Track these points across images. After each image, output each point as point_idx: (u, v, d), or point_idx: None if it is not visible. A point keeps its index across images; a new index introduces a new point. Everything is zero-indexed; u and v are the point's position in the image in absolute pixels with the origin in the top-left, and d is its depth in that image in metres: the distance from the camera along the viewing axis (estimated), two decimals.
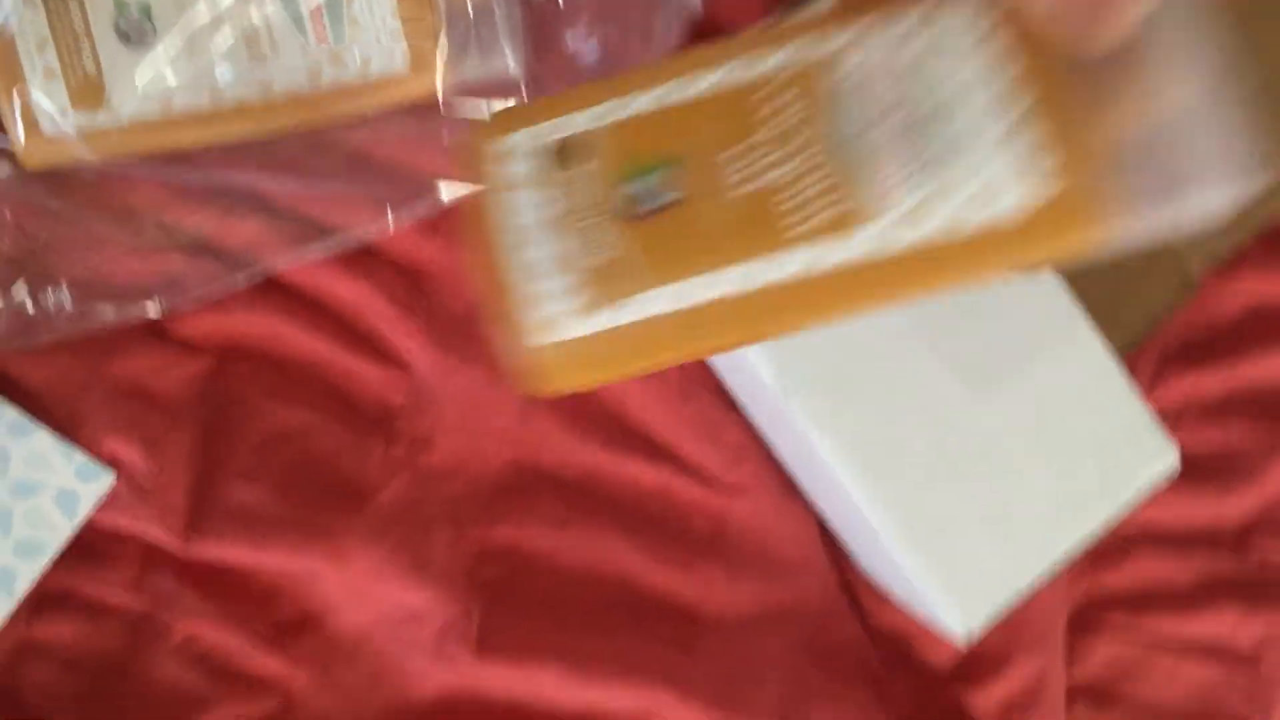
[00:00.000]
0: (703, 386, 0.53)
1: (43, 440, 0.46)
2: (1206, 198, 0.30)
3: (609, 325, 0.32)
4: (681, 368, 0.53)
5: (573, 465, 0.52)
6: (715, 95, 0.32)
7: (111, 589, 0.48)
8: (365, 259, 0.50)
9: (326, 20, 0.42)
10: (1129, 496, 0.46)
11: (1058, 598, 0.55)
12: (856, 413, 0.45)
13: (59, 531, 0.46)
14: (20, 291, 0.45)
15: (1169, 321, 0.56)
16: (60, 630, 0.48)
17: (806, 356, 0.45)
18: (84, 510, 0.46)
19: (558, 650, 0.50)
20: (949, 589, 0.45)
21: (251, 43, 0.42)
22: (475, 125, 0.39)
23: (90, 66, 0.41)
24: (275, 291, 0.50)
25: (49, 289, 0.45)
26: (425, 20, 0.42)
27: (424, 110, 0.45)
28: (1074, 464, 0.46)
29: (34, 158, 0.43)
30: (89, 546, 0.48)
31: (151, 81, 0.41)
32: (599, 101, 0.33)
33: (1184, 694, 0.55)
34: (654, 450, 0.53)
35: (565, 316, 0.32)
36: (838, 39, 0.31)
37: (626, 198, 0.32)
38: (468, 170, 0.33)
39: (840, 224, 0.30)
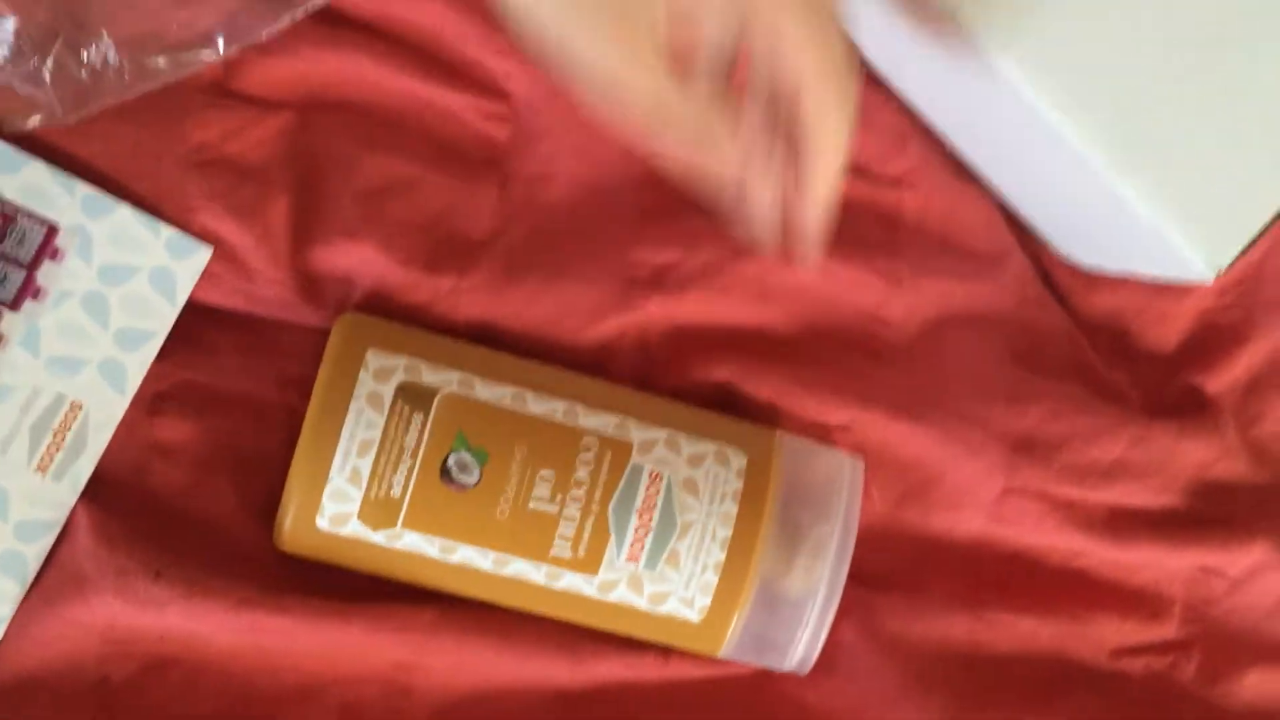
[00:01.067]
0: None
1: (126, 216, 0.41)
2: (785, 662, 0.43)
3: (379, 543, 0.41)
4: None
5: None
6: (548, 422, 0.41)
7: (228, 376, 0.43)
8: None
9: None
10: None
11: None
12: (1045, 21, 0.37)
13: (163, 317, 0.41)
14: (63, 54, 0.40)
15: None
16: (184, 429, 0.43)
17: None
18: (184, 290, 0.41)
19: (733, 369, 0.45)
20: (1187, 217, 0.38)
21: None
22: (345, 317, 0.43)
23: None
24: (346, 28, 0.44)
25: (93, 45, 0.40)
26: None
27: None
28: None
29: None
30: (193, 334, 0.43)
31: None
32: (452, 366, 0.42)
33: None
34: None
35: (345, 518, 0.41)
36: (656, 434, 0.42)
37: (440, 462, 0.41)
38: (329, 355, 0.41)
39: (587, 565, 0.41)
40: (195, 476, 0.43)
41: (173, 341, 0.43)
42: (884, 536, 0.46)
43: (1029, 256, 0.48)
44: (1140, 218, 0.39)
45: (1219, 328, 0.48)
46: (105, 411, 0.41)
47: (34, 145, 0.41)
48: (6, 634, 0.41)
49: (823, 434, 0.46)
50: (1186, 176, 0.38)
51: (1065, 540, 0.46)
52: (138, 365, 0.41)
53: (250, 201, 0.43)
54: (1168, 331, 0.48)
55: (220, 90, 0.43)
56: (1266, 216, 0.38)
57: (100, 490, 0.42)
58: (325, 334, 0.44)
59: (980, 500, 0.46)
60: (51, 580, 0.42)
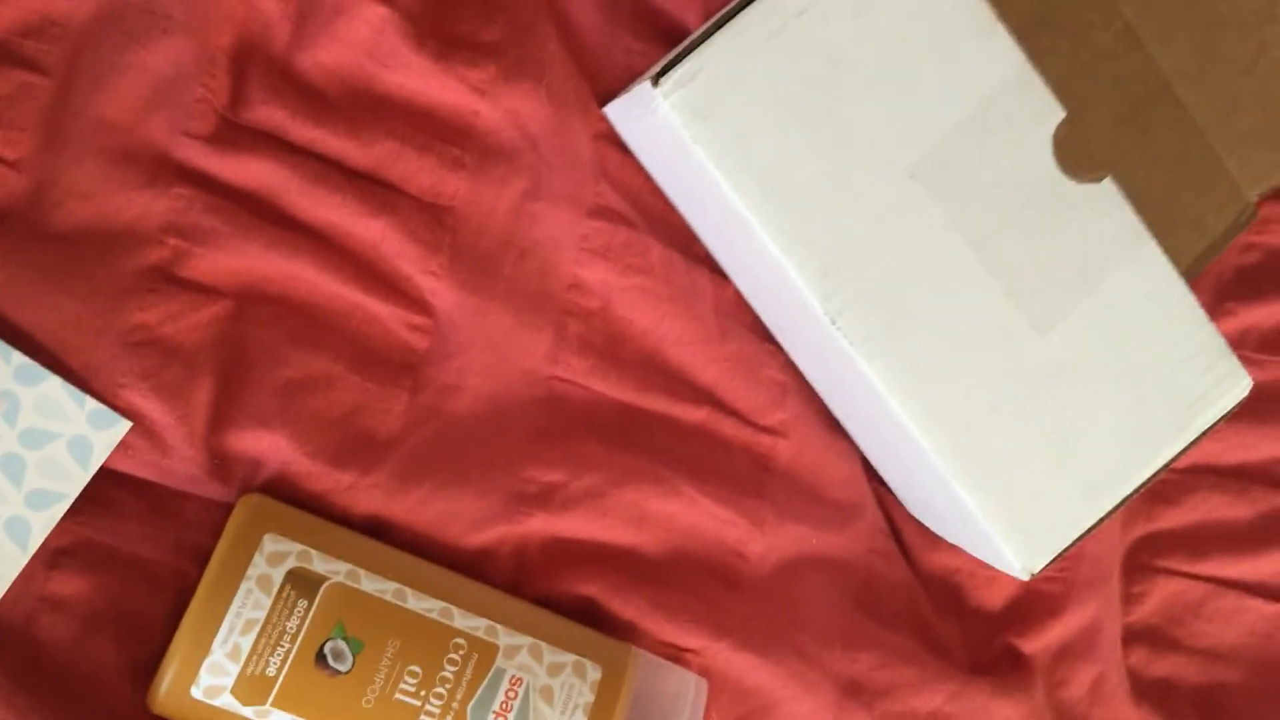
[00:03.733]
0: (738, 323, 0.51)
1: (53, 386, 0.44)
2: None
3: (247, 718, 0.44)
4: (717, 306, 0.50)
5: (608, 407, 0.50)
6: (424, 620, 0.45)
7: (129, 540, 0.46)
8: (384, 194, 0.48)
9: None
10: (1200, 426, 0.44)
11: (1114, 539, 0.53)
12: (911, 342, 0.43)
13: (74, 481, 0.44)
14: None
15: (1224, 251, 0.54)
16: (78, 584, 0.45)
17: (858, 283, 0.42)
18: (98, 459, 0.44)
19: (600, 587, 0.48)
20: (1010, 525, 0.43)
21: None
22: (248, 497, 0.46)
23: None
24: (296, 231, 0.48)
25: None
26: None
27: None
28: (1142, 393, 0.43)
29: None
30: (102, 496, 0.46)
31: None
32: (342, 557, 0.45)
33: (1245, 635, 0.53)
34: (692, 391, 0.50)
35: (219, 690, 0.43)
36: (521, 640, 0.46)
37: (318, 648, 0.44)
38: (228, 533, 0.44)
39: None
40: (81, 632, 0.45)
41: (82, 501, 0.45)
42: None
43: (883, 511, 0.52)
44: (973, 518, 0.44)
45: (1040, 596, 0.52)
46: (5, 566, 0.44)
47: None
48: None
49: (675, 654, 0.49)
50: (1015, 492, 0.43)
51: None
52: (43, 524, 0.44)
53: (176, 382, 0.46)
54: (994, 594, 0.53)
55: (166, 275, 0.46)
56: (1078, 531, 0.44)
57: None
58: (228, 509, 0.46)
59: None
60: None
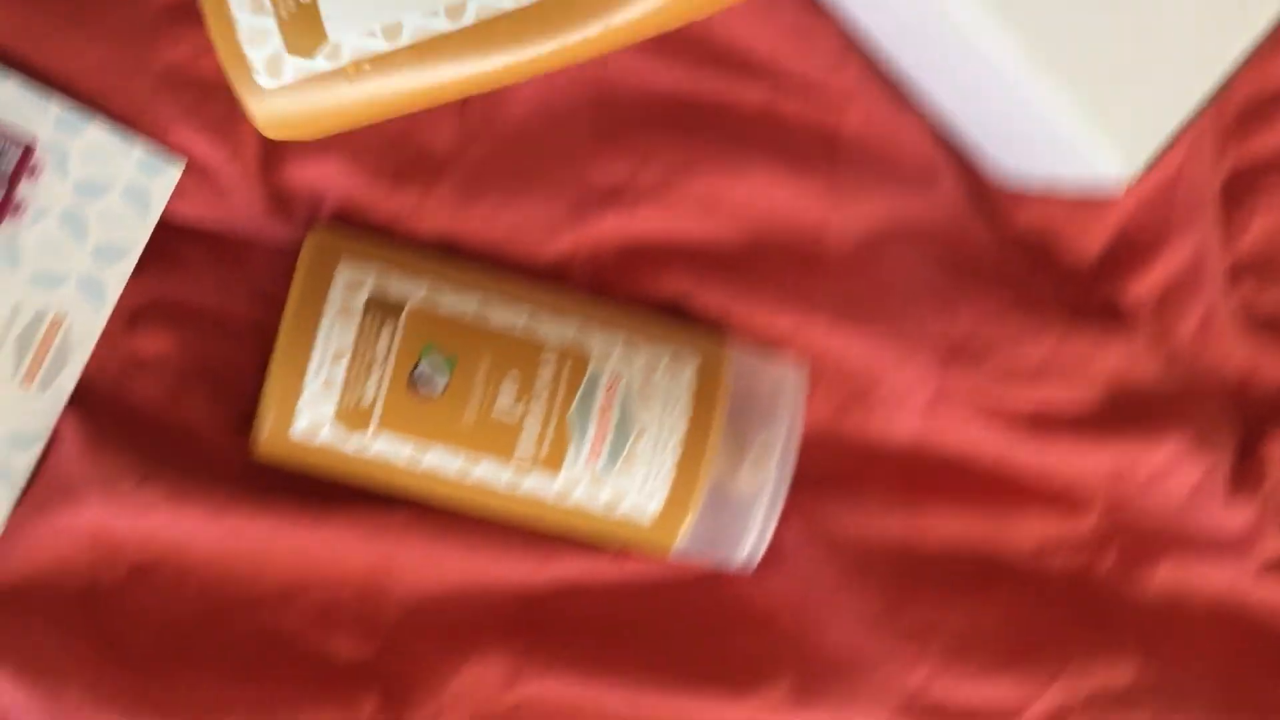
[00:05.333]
0: None
1: (99, 132, 0.42)
2: (732, 560, 0.45)
3: (351, 450, 0.43)
4: None
5: (664, 97, 0.48)
6: (511, 331, 0.44)
7: (202, 293, 0.45)
8: None
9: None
10: None
11: (1206, 168, 0.50)
12: None
13: (137, 231, 0.43)
14: None
15: None
16: (161, 342, 0.45)
17: None
18: (158, 204, 0.43)
19: (682, 282, 0.47)
20: (1104, 128, 0.41)
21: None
22: (317, 230, 0.44)
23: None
24: None
25: None
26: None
27: None
28: None
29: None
30: (167, 251, 0.45)
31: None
32: (420, 277, 0.44)
33: None
34: (749, 69, 0.48)
35: (319, 426, 0.43)
36: (613, 340, 0.44)
37: (410, 371, 0.43)
38: (301, 266, 0.43)
39: (549, 467, 0.44)
40: (173, 389, 0.45)
41: (147, 258, 0.44)
42: (825, 440, 0.49)
43: (961, 174, 0.50)
44: (1058, 125, 0.42)
45: (1136, 239, 0.50)
46: (86, 325, 0.43)
47: (5, 63, 0.42)
48: None
49: (769, 342, 0.48)
50: (1101, 83, 0.41)
51: (993, 441, 0.49)
52: (116, 280, 0.43)
53: (221, 118, 0.44)
54: (1088, 243, 0.51)
55: (188, 9, 0.44)
56: (1174, 123, 0.41)
57: (84, 401, 0.44)
58: (294, 252, 0.45)
59: (915, 404, 0.49)
60: (41, 489, 0.43)
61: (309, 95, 0.39)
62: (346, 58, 0.37)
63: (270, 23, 0.37)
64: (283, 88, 0.38)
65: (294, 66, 0.38)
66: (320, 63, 0.38)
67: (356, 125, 0.41)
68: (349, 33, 0.37)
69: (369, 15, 0.36)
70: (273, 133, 0.40)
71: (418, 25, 0.37)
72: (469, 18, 0.37)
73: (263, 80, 0.38)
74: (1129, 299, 0.51)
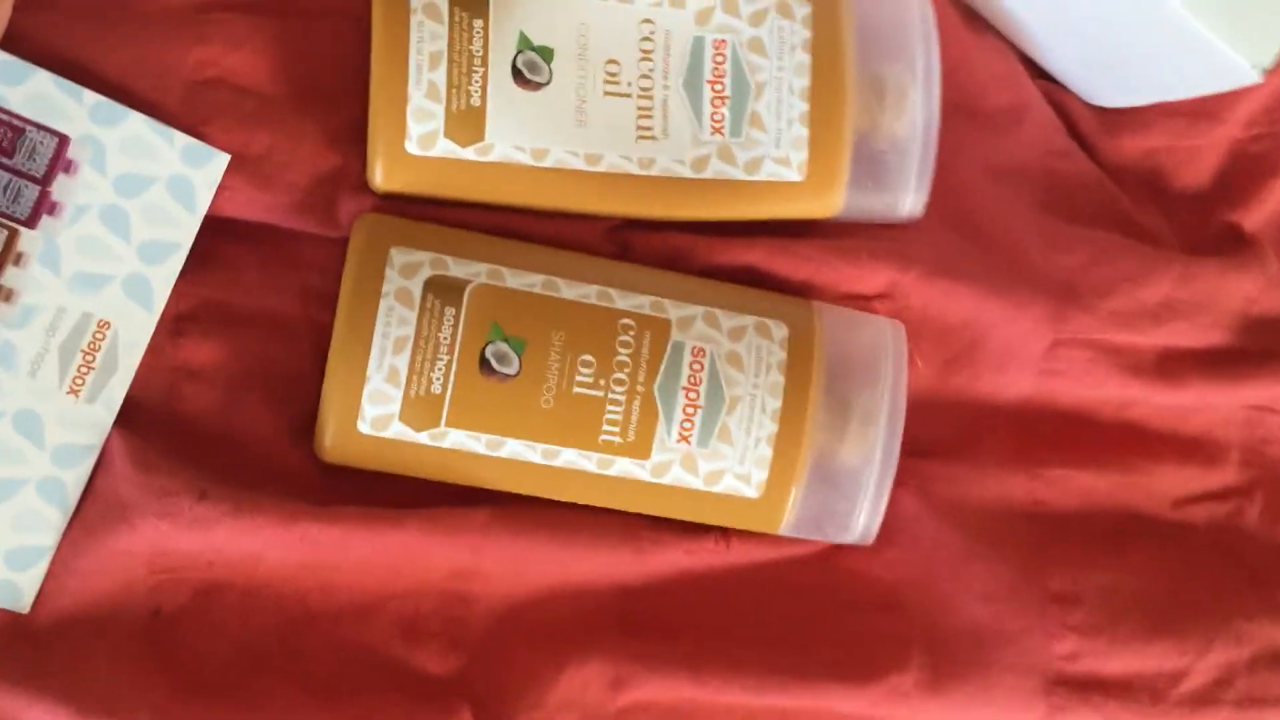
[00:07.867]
0: None
1: (137, 123, 0.40)
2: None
3: (424, 443, 0.40)
4: None
5: None
6: (583, 306, 0.41)
7: (251, 294, 0.42)
8: None
9: (727, 111, 0.40)
10: None
11: None
12: None
13: (184, 227, 0.40)
14: None
15: None
16: (210, 348, 0.42)
17: None
18: (204, 198, 0.40)
19: (760, 250, 0.44)
20: (1228, 21, 0.37)
21: (644, 116, 0.41)
22: (365, 216, 0.42)
23: (476, 97, 0.40)
24: None
25: None
26: (835, 134, 0.41)
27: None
28: None
29: (391, 180, 0.41)
30: (211, 252, 0.42)
31: (531, 126, 0.41)
32: (478, 258, 0.41)
33: None
34: None
35: (387, 420, 0.40)
36: (693, 310, 0.41)
37: (478, 354, 0.40)
38: (353, 253, 0.41)
39: (638, 448, 0.40)
40: (227, 397, 0.42)
41: (190, 259, 0.42)
42: (932, 404, 0.46)
43: (1051, 106, 0.47)
44: (1182, 30, 0.38)
45: (1251, 160, 0.47)
46: (134, 329, 0.40)
47: (37, 58, 0.40)
48: (50, 569, 0.40)
49: (860, 304, 0.45)
50: None
51: (1117, 389, 0.46)
52: (163, 279, 0.40)
53: (259, 111, 0.42)
54: (1199, 169, 0.47)
55: (210, 3, 0.42)
56: None
57: (132, 414, 0.41)
58: (343, 245, 0.42)
59: (1028, 356, 0.45)
60: (92, 510, 0.40)
61: (445, 172, 0.41)
62: (493, 158, 0.41)
63: (438, 109, 0.40)
64: (425, 159, 0.41)
65: (444, 147, 0.41)
66: (469, 153, 0.41)
67: (464, 200, 0.42)
68: (504, 142, 0.41)
69: (527, 137, 0.41)
70: (387, 186, 0.41)
71: (559, 158, 0.41)
72: (603, 165, 0.41)
73: (411, 148, 0.40)
74: (1250, 225, 0.47)
